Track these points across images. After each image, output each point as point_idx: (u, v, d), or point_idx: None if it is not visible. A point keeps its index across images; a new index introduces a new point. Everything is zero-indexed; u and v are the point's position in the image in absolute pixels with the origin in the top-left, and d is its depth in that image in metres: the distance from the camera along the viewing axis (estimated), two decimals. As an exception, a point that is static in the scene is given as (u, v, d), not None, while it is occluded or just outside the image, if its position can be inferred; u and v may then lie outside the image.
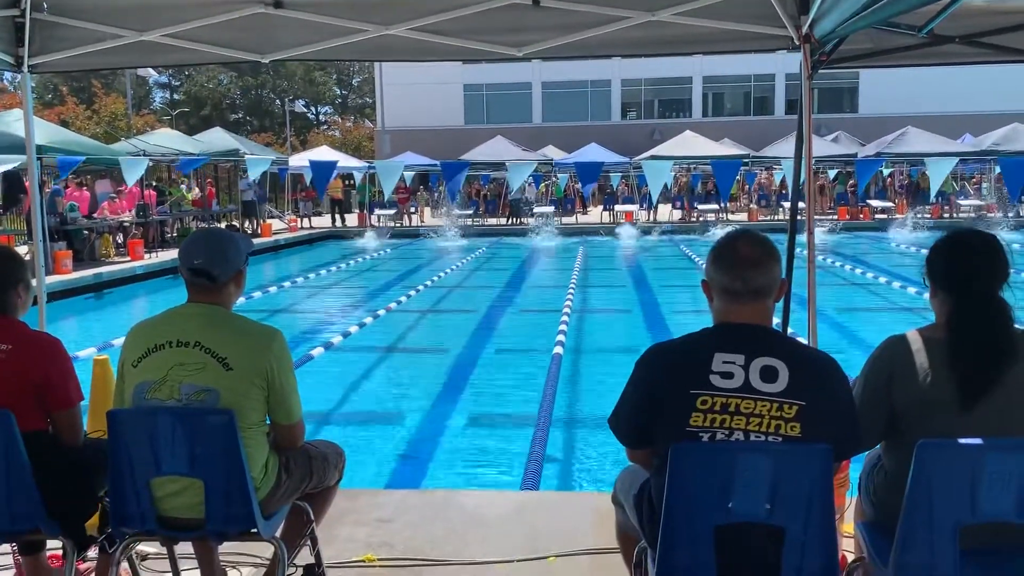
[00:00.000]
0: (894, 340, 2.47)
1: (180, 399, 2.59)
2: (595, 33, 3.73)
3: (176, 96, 62.28)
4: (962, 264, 2.40)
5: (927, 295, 2.53)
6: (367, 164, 29.01)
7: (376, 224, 27.45)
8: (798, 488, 2.16)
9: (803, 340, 3.93)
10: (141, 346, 2.67)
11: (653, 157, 26.99)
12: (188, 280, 2.74)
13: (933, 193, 23.01)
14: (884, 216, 26.50)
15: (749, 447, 2.15)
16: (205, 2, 3.83)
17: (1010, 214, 26.73)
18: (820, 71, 3.73)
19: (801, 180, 4.20)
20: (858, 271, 15.79)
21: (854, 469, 3.15)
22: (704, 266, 2.35)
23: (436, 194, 31.78)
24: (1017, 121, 27.60)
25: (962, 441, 2.19)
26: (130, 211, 19.32)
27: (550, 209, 27.52)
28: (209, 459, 2.59)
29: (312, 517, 3.05)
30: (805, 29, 3.48)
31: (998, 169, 25.23)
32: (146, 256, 17.34)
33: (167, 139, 23.47)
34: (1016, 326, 2.35)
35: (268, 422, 2.77)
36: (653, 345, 2.36)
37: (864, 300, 13.31)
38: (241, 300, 2.94)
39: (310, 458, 2.96)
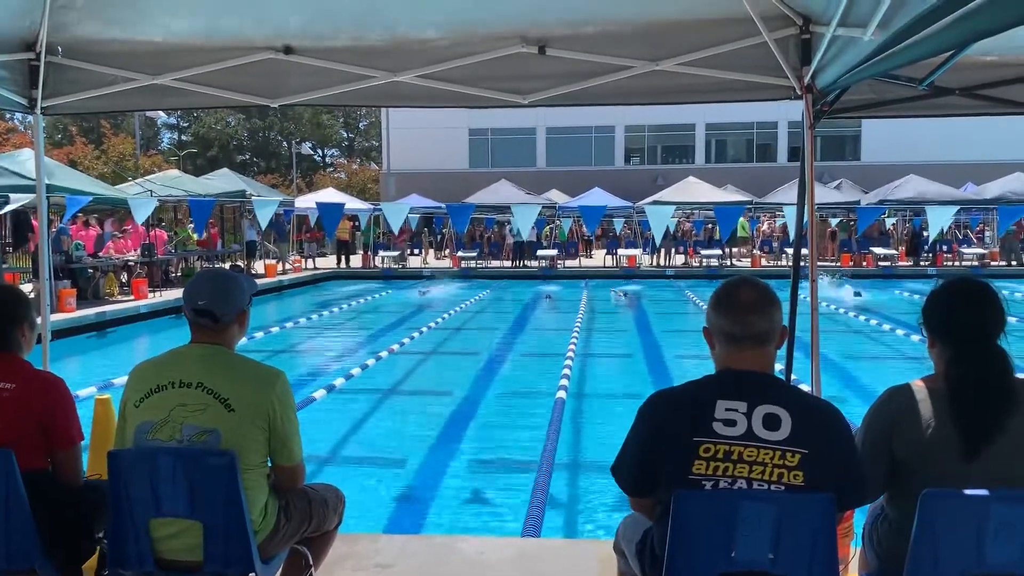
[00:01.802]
0: (895, 390, 2.47)
1: (181, 440, 2.58)
2: (599, 82, 3.79)
3: (184, 137, 62.96)
4: (959, 314, 2.41)
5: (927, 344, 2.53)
6: (373, 206, 29.24)
7: (380, 265, 27.58)
8: (801, 537, 2.15)
9: (807, 387, 3.93)
10: (144, 386, 2.67)
11: (656, 202, 27.18)
12: (192, 320, 2.75)
13: (931, 238, 23.05)
14: (887, 264, 26.55)
15: (752, 495, 2.14)
16: (216, 47, 3.90)
17: (1013, 262, 26.79)
18: (822, 120, 3.79)
19: (804, 227, 4.23)
20: (862, 318, 15.77)
21: (858, 520, 3.12)
22: (705, 312, 2.36)
23: (440, 236, 31.94)
24: (1019, 170, 27.77)
25: (967, 492, 2.18)
26: (135, 250, 19.43)
27: (553, 252, 27.63)
28: (209, 501, 2.58)
29: (311, 561, 3.02)
30: (807, 80, 3.53)
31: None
32: (150, 295, 17.38)
33: (174, 180, 23.70)
34: (1016, 375, 2.35)
35: (268, 464, 2.76)
36: (655, 392, 2.35)
37: (868, 348, 13.28)
38: (243, 340, 2.95)
39: (310, 501, 2.94)
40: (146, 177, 25.62)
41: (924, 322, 2.51)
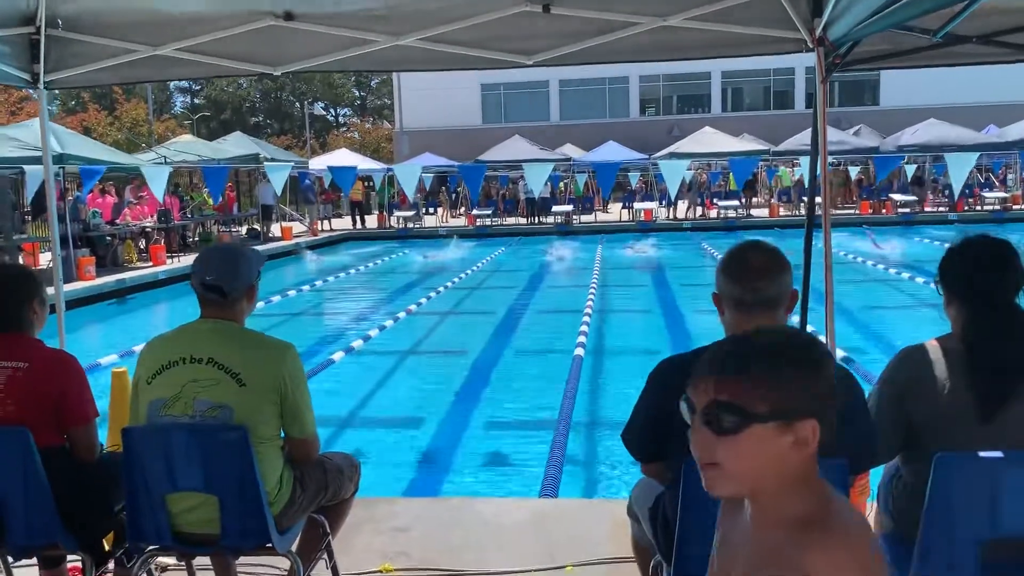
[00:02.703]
0: (910, 351, 2.44)
1: (194, 415, 2.60)
2: (606, 39, 3.70)
3: (197, 101, 62.79)
4: (977, 272, 2.36)
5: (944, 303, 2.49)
6: (386, 167, 29.13)
7: (396, 225, 27.56)
8: (814, 502, 2.14)
9: (822, 338, 3.89)
10: (155, 362, 2.69)
11: (672, 154, 26.86)
12: (200, 296, 2.75)
13: (957, 189, 22.63)
14: (907, 210, 26.21)
15: (763, 462, 2.12)
16: (216, 16, 3.84)
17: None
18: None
19: (818, 177, 4.16)
20: (880, 267, 15.61)
21: (873, 476, 3.11)
22: (715, 278, 2.33)
23: (454, 195, 31.81)
24: (1043, 111, 27.17)
25: (981, 454, 2.16)
26: (152, 216, 19.50)
27: (568, 208, 27.46)
28: (223, 475, 2.60)
29: (328, 530, 3.05)
30: (819, 32, 3.43)
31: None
32: (168, 261, 17.50)
33: (188, 146, 23.70)
34: None
35: (283, 436, 2.78)
36: (665, 359, 2.34)
37: (886, 297, 13.17)
38: (261, 305, 2.95)
39: (325, 471, 2.97)
40: (161, 144, 25.63)
41: (941, 279, 2.47)
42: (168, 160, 19.68)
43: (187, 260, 17.87)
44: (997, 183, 28.54)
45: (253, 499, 2.60)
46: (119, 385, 4.01)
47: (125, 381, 4.05)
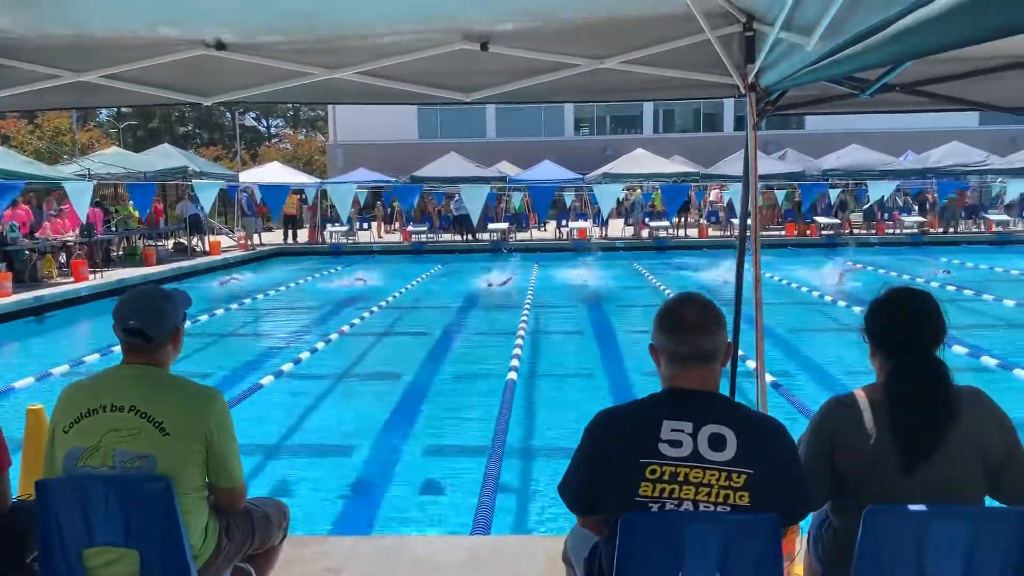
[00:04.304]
0: (836, 402, 2.49)
1: (114, 466, 2.50)
2: (544, 80, 3.71)
3: (123, 109, 61.17)
4: (900, 326, 2.42)
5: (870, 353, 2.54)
6: (318, 181, 28.77)
7: (328, 240, 27.22)
8: (748, 557, 2.16)
9: (752, 363, 3.95)
10: (73, 410, 2.57)
11: (605, 175, 27.17)
12: (123, 340, 2.65)
13: (872, 204, 23.59)
14: (831, 232, 27.03)
15: (698, 517, 2.13)
16: (145, 43, 3.72)
17: (951, 230, 27.47)
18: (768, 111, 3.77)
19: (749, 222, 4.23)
20: (803, 289, 15.96)
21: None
22: (652, 330, 2.33)
23: (390, 210, 31.58)
24: (956, 139, 28.45)
25: (910, 508, 2.20)
26: (74, 230, 18.84)
27: (504, 225, 27.49)
28: (145, 528, 2.50)
29: (256, 579, 2.96)
30: (751, 78, 3.50)
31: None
32: (91, 277, 16.92)
33: (114, 158, 23.04)
34: (954, 384, 2.38)
35: (207, 482, 2.69)
36: (601, 411, 2.33)
37: (814, 320, 13.48)
38: (188, 324, 2.85)
39: (252, 519, 2.89)
40: (84, 156, 24.84)
41: (866, 330, 2.53)
42: (92, 173, 19.03)
43: (111, 276, 17.33)
44: (915, 208, 29.60)
45: (176, 552, 2.50)
46: (35, 424, 3.85)
47: (41, 419, 3.88)
